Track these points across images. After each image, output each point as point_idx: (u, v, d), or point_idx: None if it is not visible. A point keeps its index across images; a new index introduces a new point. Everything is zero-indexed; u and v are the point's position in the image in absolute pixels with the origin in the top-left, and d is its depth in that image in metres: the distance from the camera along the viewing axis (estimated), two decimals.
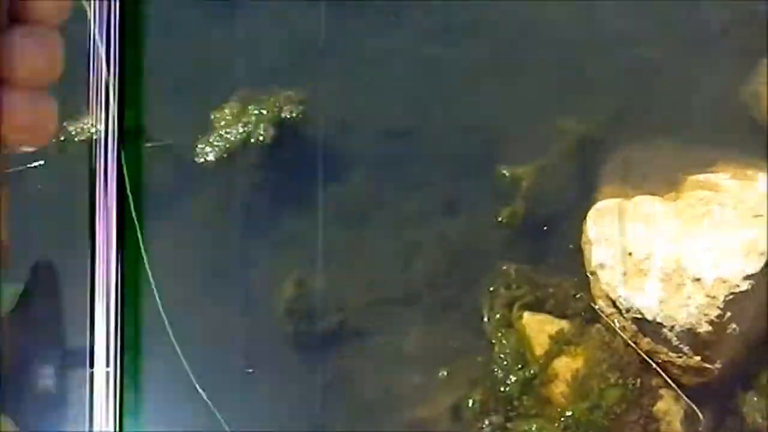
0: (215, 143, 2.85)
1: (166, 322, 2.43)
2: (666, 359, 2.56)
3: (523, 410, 2.59)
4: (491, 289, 2.72)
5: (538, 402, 2.60)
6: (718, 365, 2.51)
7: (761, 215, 2.46)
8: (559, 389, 2.61)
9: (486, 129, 2.91)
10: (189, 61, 2.92)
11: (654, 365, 2.58)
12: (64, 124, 2.84)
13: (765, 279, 2.44)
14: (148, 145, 2.80)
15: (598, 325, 2.68)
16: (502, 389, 2.62)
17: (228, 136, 2.85)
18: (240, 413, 2.57)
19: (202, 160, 2.84)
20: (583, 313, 2.69)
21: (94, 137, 1.01)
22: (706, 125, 2.88)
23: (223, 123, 2.87)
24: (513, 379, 2.61)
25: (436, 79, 2.98)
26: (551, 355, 2.64)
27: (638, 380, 2.59)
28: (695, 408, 2.55)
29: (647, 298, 2.51)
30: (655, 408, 2.58)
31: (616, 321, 2.63)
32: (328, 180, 2.75)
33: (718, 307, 2.41)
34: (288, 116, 2.85)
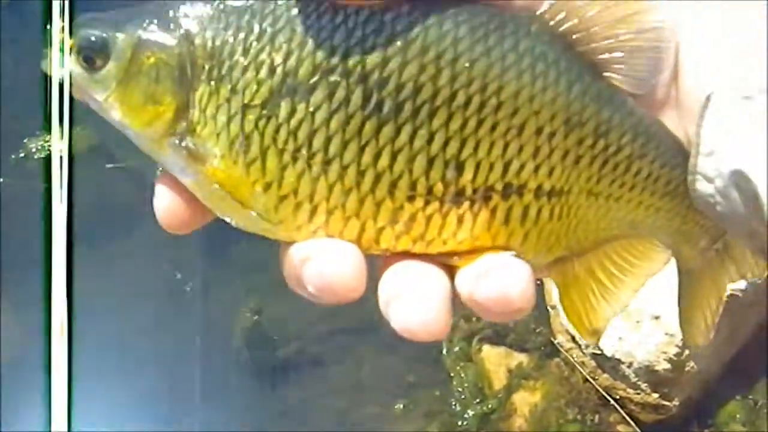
0: None
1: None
2: (624, 395, 2.56)
3: None
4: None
5: None
6: (675, 402, 2.52)
7: None
8: (517, 424, 2.60)
9: None
10: None
11: (612, 401, 2.58)
12: (24, 140, 2.80)
13: (724, 318, 2.45)
14: (109, 165, 2.77)
15: (557, 360, 2.68)
16: (459, 423, 2.60)
17: None
18: None
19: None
20: (542, 348, 2.69)
21: (52, 155, 0.98)
22: None
23: None
24: (471, 413, 2.60)
25: None
26: (510, 389, 2.63)
27: (596, 416, 2.59)
28: None
29: (607, 335, 2.50)
30: None
31: (575, 356, 2.63)
32: None
33: (677, 345, 2.42)
34: None
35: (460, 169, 0.61)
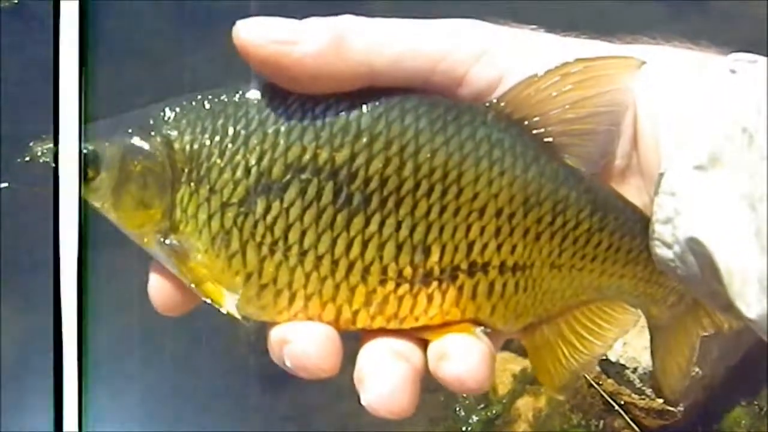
0: None
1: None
2: (629, 401, 2.56)
3: None
4: None
5: None
6: (680, 408, 2.52)
7: None
8: (521, 429, 2.60)
9: None
10: (153, 88, 2.92)
11: (617, 407, 2.58)
12: (30, 143, 2.81)
13: None
14: None
15: None
16: (464, 428, 2.60)
17: None
18: None
19: None
20: None
21: (57, 158, 0.99)
22: None
23: None
24: (475, 418, 2.60)
25: None
26: (514, 394, 2.63)
27: (601, 421, 2.59)
28: None
29: None
30: None
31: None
32: None
33: (674, 394, 2.42)
34: None
35: (427, 252, 0.65)
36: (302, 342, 0.64)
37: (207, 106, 0.66)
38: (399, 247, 0.64)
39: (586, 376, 2.61)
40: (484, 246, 0.65)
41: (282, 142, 0.64)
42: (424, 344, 0.66)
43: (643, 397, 2.52)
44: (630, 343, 2.48)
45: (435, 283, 0.65)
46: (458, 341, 0.64)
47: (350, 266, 0.65)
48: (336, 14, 0.65)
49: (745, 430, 2.60)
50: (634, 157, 0.66)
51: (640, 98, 0.65)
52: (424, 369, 0.64)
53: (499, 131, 0.64)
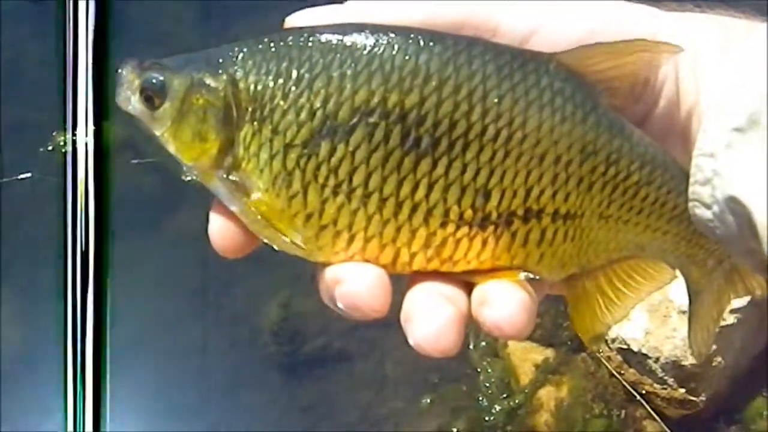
0: None
1: None
2: (651, 390, 2.55)
3: None
4: None
5: None
6: (702, 398, 2.51)
7: None
8: (543, 418, 2.60)
9: None
10: None
11: (638, 396, 2.58)
12: (53, 133, 2.82)
13: (751, 312, 2.44)
14: (134, 161, 2.79)
15: (583, 355, 2.67)
16: (486, 418, 2.61)
17: None
18: None
19: (188, 178, 2.83)
20: (569, 343, 2.69)
21: (79, 149, 1.00)
22: None
23: None
24: (498, 408, 2.60)
25: None
26: (536, 384, 2.63)
27: (623, 411, 2.59)
28: None
29: (633, 329, 2.50)
30: None
31: (601, 351, 2.63)
32: None
33: (703, 354, 2.41)
34: None
35: (487, 196, 0.66)
36: (355, 282, 0.66)
37: (273, 48, 0.67)
38: (463, 190, 0.66)
39: (608, 366, 2.60)
40: (541, 192, 0.67)
41: (349, 85, 0.65)
42: (468, 289, 0.67)
43: (665, 386, 2.52)
44: (652, 333, 2.47)
45: (491, 228, 0.67)
46: (500, 288, 0.66)
47: (414, 208, 0.66)
48: None
49: (767, 421, 2.59)
50: (676, 121, 0.69)
51: (683, 63, 0.67)
52: (469, 313, 0.66)
53: (561, 81, 0.66)
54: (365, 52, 0.66)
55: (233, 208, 0.68)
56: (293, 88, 0.66)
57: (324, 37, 0.67)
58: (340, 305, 0.66)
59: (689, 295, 0.75)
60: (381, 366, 2.67)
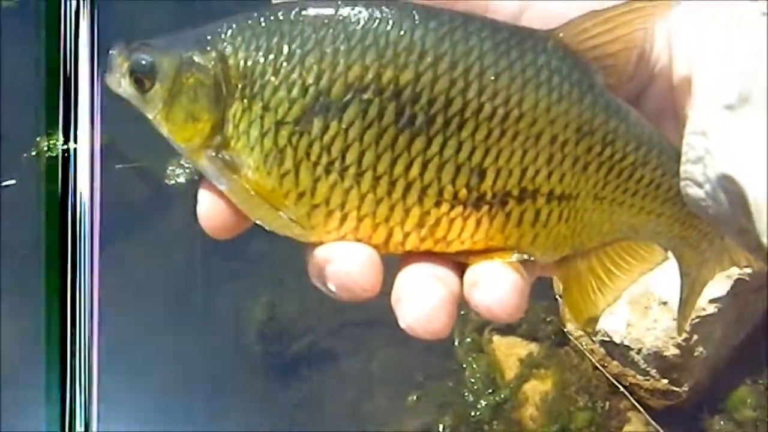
0: (186, 165, 2.85)
1: None
2: (634, 382, 2.57)
3: None
4: (462, 312, 2.73)
5: (508, 426, 2.60)
6: (685, 388, 2.53)
7: None
8: (528, 412, 2.62)
9: None
10: None
11: (622, 388, 2.60)
12: (37, 138, 2.82)
13: (731, 302, 2.46)
14: (119, 166, 2.79)
15: (567, 348, 2.69)
16: (472, 414, 2.62)
17: None
18: None
19: (172, 182, 2.84)
20: (552, 337, 2.71)
21: (65, 155, 1.01)
22: None
23: None
24: (483, 403, 2.62)
25: None
26: (521, 378, 2.65)
27: (607, 403, 2.61)
28: (662, 431, 2.56)
29: (615, 321, 2.52)
30: (623, 431, 2.59)
31: (584, 344, 2.65)
32: None
33: (685, 331, 2.43)
34: None
35: (482, 175, 0.65)
36: (346, 262, 0.64)
37: (263, 24, 0.66)
38: (458, 169, 0.65)
39: (591, 358, 2.63)
40: (536, 172, 0.65)
41: (342, 61, 0.63)
42: (460, 271, 0.66)
43: (647, 377, 2.54)
44: (633, 325, 2.49)
45: (486, 208, 0.66)
46: (492, 269, 0.65)
47: (407, 187, 0.65)
48: None
49: (750, 410, 2.61)
50: (669, 99, 0.68)
51: (677, 42, 0.67)
52: (461, 295, 0.65)
53: (558, 59, 0.65)
54: (359, 27, 0.64)
55: (223, 188, 0.67)
56: (285, 64, 0.64)
57: (316, 12, 0.65)
58: (330, 285, 0.65)
59: (681, 276, 0.75)
60: (367, 364, 2.68)
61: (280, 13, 0.66)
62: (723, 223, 0.65)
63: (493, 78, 0.64)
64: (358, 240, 0.66)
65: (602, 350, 2.60)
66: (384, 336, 2.69)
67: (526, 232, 0.67)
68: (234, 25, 0.66)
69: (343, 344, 2.69)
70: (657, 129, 0.68)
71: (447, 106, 0.64)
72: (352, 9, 0.65)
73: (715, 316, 2.45)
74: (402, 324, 0.64)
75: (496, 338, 2.71)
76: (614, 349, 2.56)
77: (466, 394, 2.64)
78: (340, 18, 0.64)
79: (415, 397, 2.64)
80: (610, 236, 0.70)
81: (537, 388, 2.65)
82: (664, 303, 2.46)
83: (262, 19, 0.66)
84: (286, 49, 0.64)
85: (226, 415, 2.62)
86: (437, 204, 0.65)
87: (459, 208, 0.65)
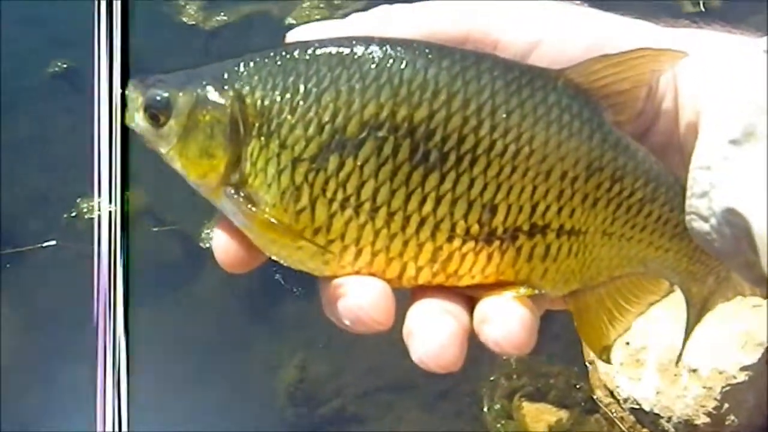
0: None
1: None
2: None
3: None
4: (491, 378, 2.73)
5: None
6: None
7: (759, 305, 2.48)
8: None
9: None
10: None
11: None
12: (77, 200, 2.89)
13: (764, 370, 2.44)
14: (155, 229, 2.85)
15: (597, 416, 2.67)
16: None
17: None
18: None
19: (207, 245, 2.88)
20: (582, 404, 2.69)
21: (102, 216, 1.05)
22: None
23: None
24: None
25: None
26: None
27: None
28: None
29: (644, 389, 2.50)
30: None
31: (614, 411, 2.63)
32: None
33: (715, 399, 2.41)
34: None
35: (494, 211, 0.66)
36: (359, 296, 0.65)
37: (279, 62, 0.67)
38: (470, 205, 0.66)
39: (621, 426, 2.61)
40: (547, 208, 0.67)
41: (357, 99, 0.65)
42: (470, 304, 0.67)
43: None
44: (663, 392, 2.47)
45: (497, 243, 0.67)
46: (501, 305, 0.66)
47: (421, 222, 0.66)
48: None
49: None
50: (675, 135, 0.69)
51: (682, 78, 0.68)
52: (471, 329, 0.66)
53: (568, 97, 0.66)
54: (373, 66, 0.65)
55: (239, 224, 0.67)
56: (301, 103, 0.65)
57: (331, 51, 0.66)
58: (344, 319, 0.66)
59: (687, 306, 0.75)
60: (395, 429, 2.68)
61: (295, 52, 0.67)
62: (728, 257, 0.65)
63: (504, 116, 0.65)
64: (372, 274, 0.67)
65: (632, 418, 2.58)
66: (412, 401, 2.69)
67: (536, 266, 0.68)
68: (251, 63, 0.67)
69: (372, 408, 2.69)
70: (664, 165, 0.69)
71: (460, 143, 0.65)
72: (366, 48, 0.66)
73: (747, 384, 2.43)
74: (414, 357, 0.65)
75: (525, 404, 2.70)
76: (644, 416, 2.54)
77: None
78: (355, 57, 0.66)
79: None
80: (619, 271, 0.71)
81: None
82: (694, 370, 2.44)
83: (277, 58, 0.67)
84: (302, 87, 0.66)
85: None
86: (450, 239, 0.66)
87: (471, 243, 0.67)
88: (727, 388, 2.41)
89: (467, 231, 0.66)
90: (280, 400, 2.69)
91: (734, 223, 0.62)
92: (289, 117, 0.66)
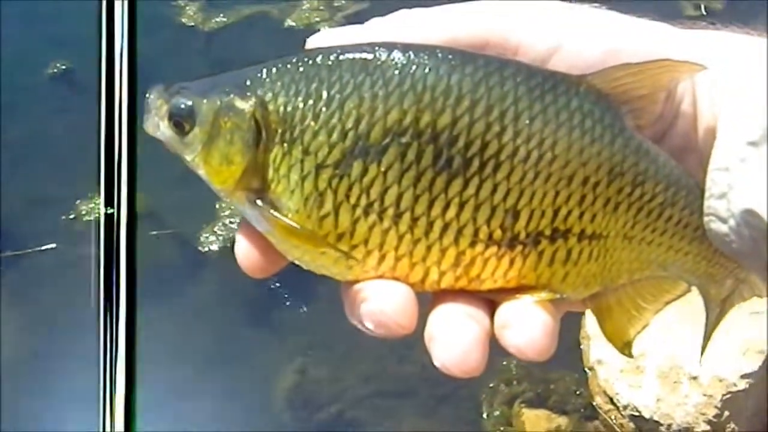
0: (219, 233, 2.89)
1: None
2: None
3: None
4: (491, 385, 2.72)
5: None
6: None
7: (758, 312, 2.48)
8: None
9: None
10: None
11: None
12: (77, 201, 2.89)
13: (763, 377, 2.44)
14: (153, 232, 2.84)
15: (596, 423, 2.66)
16: None
17: (232, 225, 2.89)
18: None
19: (206, 249, 2.88)
20: (582, 410, 2.68)
21: (101, 218, 1.05)
22: None
23: (227, 212, 2.92)
24: None
25: None
26: None
27: None
28: None
29: (644, 396, 2.50)
30: None
31: (614, 418, 2.62)
32: None
33: (716, 407, 2.41)
34: None
35: (516, 216, 0.67)
36: (382, 300, 0.66)
37: (301, 69, 0.67)
38: (493, 210, 0.66)
39: None
40: (569, 213, 0.67)
41: (380, 106, 0.65)
42: (491, 310, 0.67)
43: None
44: (663, 399, 2.47)
45: (519, 247, 0.67)
46: (522, 310, 0.66)
47: (444, 227, 0.66)
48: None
49: None
50: (693, 137, 0.69)
51: (700, 80, 0.69)
52: (492, 333, 0.66)
53: (590, 103, 0.67)
54: (397, 72, 0.66)
55: (262, 229, 0.68)
56: (324, 109, 0.66)
57: (354, 57, 0.66)
58: (366, 323, 0.66)
59: (706, 309, 0.75)
60: None
61: (317, 58, 0.67)
62: (746, 258, 0.66)
63: (528, 121, 0.65)
64: (395, 279, 0.67)
65: (632, 425, 2.57)
66: (411, 406, 2.69)
67: (558, 270, 0.68)
68: (273, 70, 0.68)
69: (370, 414, 2.69)
70: (683, 169, 0.69)
71: (483, 148, 0.65)
72: (389, 54, 0.66)
73: (747, 392, 2.43)
74: (436, 363, 0.65)
75: (525, 411, 2.69)
76: (644, 424, 2.53)
77: None
78: (378, 63, 0.66)
79: None
80: (639, 273, 0.71)
81: None
82: (694, 378, 2.44)
83: (300, 64, 0.67)
84: (325, 94, 0.66)
85: None
86: (472, 244, 0.67)
87: (493, 248, 0.67)
88: (728, 395, 2.41)
89: (490, 236, 0.67)
90: (279, 405, 2.69)
91: (753, 224, 0.62)
92: (312, 123, 0.66)
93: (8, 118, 3.10)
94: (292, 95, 0.67)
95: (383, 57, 0.66)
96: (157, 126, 0.70)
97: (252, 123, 0.67)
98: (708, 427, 2.44)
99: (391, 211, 0.66)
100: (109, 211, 1.06)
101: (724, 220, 0.65)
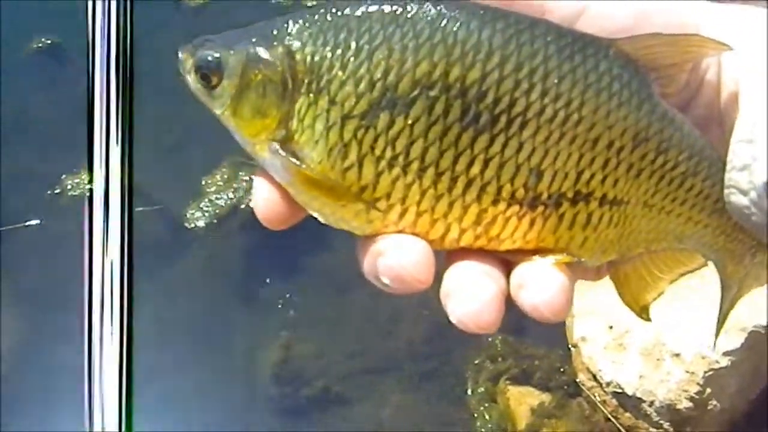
0: (205, 209, 2.89)
1: None
2: None
3: None
4: (476, 362, 2.73)
5: None
6: None
7: None
8: None
9: None
10: (182, 125, 2.98)
11: None
12: (62, 176, 2.87)
13: (746, 355, 2.45)
14: (139, 209, 2.83)
15: (579, 399, 2.68)
16: None
17: (218, 201, 2.89)
18: None
19: (192, 225, 2.87)
20: (565, 387, 2.70)
21: (87, 194, 1.04)
22: None
23: (213, 189, 2.91)
24: None
25: None
26: (532, 428, 2.64)
27: None
28: None
29: (627, 373, 2.52)
30: None
31: (597, 395, 2.64)
32: (316, 248, 2.79)
33: (698, 384, 2.42)
34: None
35: (540, 176, 0.66)
36: (399, 255, 0.65)
37: (330, 19, 0.66)
38: (517, 169, 0.66)
39: (604, 410, 2.62)
40: (591, 176, 0.67)
41: (410, 58, 0.64)
42: (506, 269, 0.67)
43: (660, 430, 2.52)
44: (646, 377, 2.49)
45: (541, 208, 0.67)
46: (538, 271, 0.66)
47: (468, 184, 0.66)
48: None
49: None
50: (715, 108, 0.69)
51: (726, 52, 0.68)
52: (508, 293, 0.66)
53: (618, 66, 0.66)
54: (427, 25, 0.65)
55: (282, 180, 0.67)
56: (352, 59, 0.65)
57: (384, 8, 0.66)
58: (383, 279, 0.65)
59: (721, 287, 0.75)
60: (379, 411, 2.69)
61: (347, 9, 0.66)
62: (765, 231, 0.66)
63: (555, 81, 0.65)
64: (415, 235, 0.67)
65: (614, 402, 2.59)
66: (396, 383, 2.70)
67: (576, 234, 0.68)
68: (300, 20, 0.67)
69: (356, 389, 2.70)
70: (708, 141, 0.69)
71: (511, 106, 0.65)
72: (420, 7, 0.66)
73: (729, 369, 2.44)
74: (453, 319, 0.65)
75: (509, 387, 2.71)
76: (627, 400, 2.55)
77: None
78: (408, 15, 0.65)
79: None
80: (656, 244, 0.71)
81: None
82: (677, 355, 2.45)
83: (328, 15, 0.67)
84: (353, 44, 0.65)
85: None
86: (495, 202, 0.66)
87: (515, 207, 0.67)
88: (710, 372, 2.43)
89: (513, 195, 0.66)
90: (264, 381, 2.69)
91: None
92: (339, 73, 0.65)
93: None
94: (320, 45, 0.66)
95: (414, 10, 0.65)
96: (186, 80, 0.70)
97: (282, 73, 0.66)
98: (690, 404, 2.45)
99: (415, 165, 0.65)
100: (92, 186, 1.06)
101: (744, 193, 0.65)
